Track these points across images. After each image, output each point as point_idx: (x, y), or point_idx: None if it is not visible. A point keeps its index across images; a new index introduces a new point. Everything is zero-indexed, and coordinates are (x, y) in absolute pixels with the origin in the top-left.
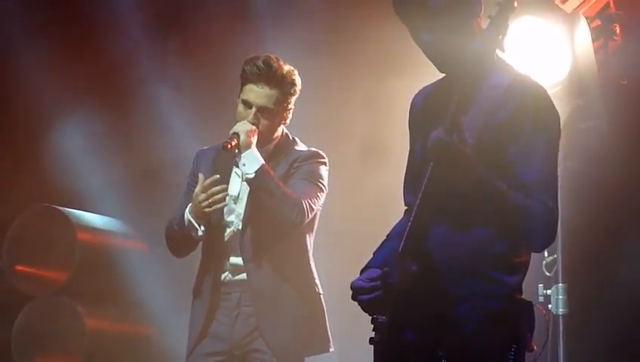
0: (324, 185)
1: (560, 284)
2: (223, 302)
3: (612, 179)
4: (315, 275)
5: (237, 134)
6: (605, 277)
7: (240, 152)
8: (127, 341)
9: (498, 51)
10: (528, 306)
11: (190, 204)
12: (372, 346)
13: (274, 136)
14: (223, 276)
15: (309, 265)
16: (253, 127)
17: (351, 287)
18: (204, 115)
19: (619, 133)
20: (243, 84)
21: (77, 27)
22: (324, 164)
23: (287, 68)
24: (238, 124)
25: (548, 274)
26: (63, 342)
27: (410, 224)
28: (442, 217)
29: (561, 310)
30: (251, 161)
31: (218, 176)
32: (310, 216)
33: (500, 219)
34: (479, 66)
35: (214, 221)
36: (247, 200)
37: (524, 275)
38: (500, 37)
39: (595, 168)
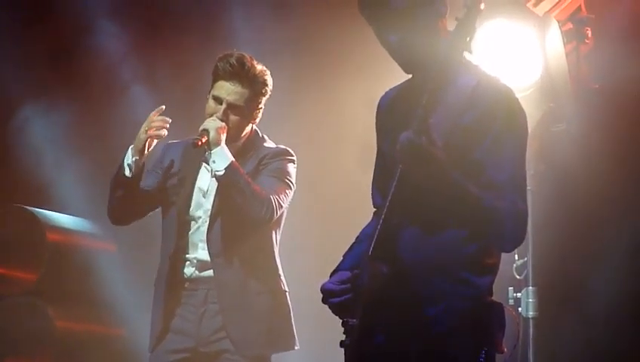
0: (292, 183)
1: (530, 287)
2: (189, 299)
3: (583, 183)
4: (281, 272)
5: (207, 131)
6: (575, 280)
7: (210, 149)
8: (97, 341)
9: (466, 53)
10: (499, 308)
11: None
12: (342, 349)
13: (243, 134)
14: (188, 272)
15: (275, 262)
16: (223, 124)
17: (321, 290)
18: (178, 113)
19: (590, 136)
20: (214, 80)
21: (48, 21)
22: (293, 161)
23: (259, 68)
24: (207, 120)
25: (518, 277)
26: (32, 343)
27: (379, 227)
28: (411, 219)
29: (531, 313)
30: (221, 158)
31: (163, 106)
32: (278, 213)
33: (470, 220)
34: (446, 68)
35: (180, 213)
36: (216, 195)
37: (495, 277)
38: (468, 39)
39: (566, 171)
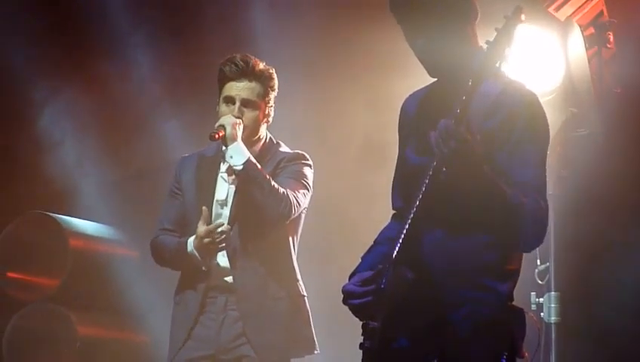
0: (309, 185)
1: (552, 293)
2: (210, 306)
3: (606, 187)
4: (299, 277)
5: (223, 126)
6: (598, 285)
7: (226, 145)
8: (119, 347)
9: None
10: (520, 313)
11: (193, 238)
12: (361, 351)
13: (259, 136)
14: (209, 280)
15: (294, 267)
16: (238, 120)
17: (342, 291)
18: (198, 118)
19: (613, 141)
20: (223, 85)
21: (68, 29)
22: (309, 166)
23: (263, 64)
24: (223, 116)
25: (540, 282)
26: (54, 349)
27: (405, 230)
28: (437, 222)
29: (553, 318)
30: (238, 153)
31: (222, 222)
32: (297, 211)
33: (496, 217)
34: (482, 76)
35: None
36: (233, 203)
37: (515, 283)
38: (506, 50)
39: (588, 176)
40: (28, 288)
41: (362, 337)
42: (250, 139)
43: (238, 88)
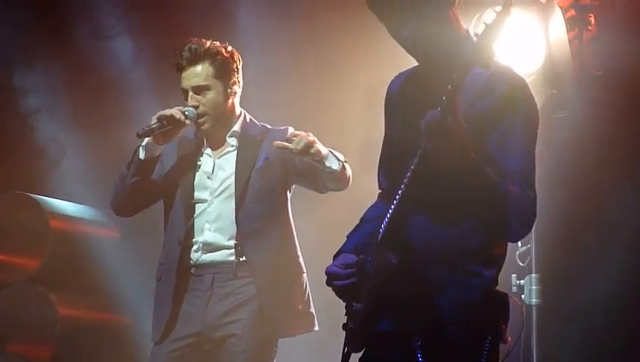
0: None
1: (533, 274)
2: (196, 284)
3: (586, 169)
4: (299, 253)
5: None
6: (578, 267)
7: (323, 165)
8: (100, 328)
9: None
10: (504, 298)
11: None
12: (344, 332)
13: (234, 113)
14: (194, 256)
15: (295, 244)
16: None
17: (326, 273)
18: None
19: (593, 122)
20: (179, 77)
21: (51, 12)
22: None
23: (209, 43)
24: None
25: (521, 264)
26: (35, 330)
27: (389, 214)
28: (423, 207)
29: (534, 300)
30: (332, 160)
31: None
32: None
33: (482, 205)
34: (469, 69)
35: (185, 197)
36: (236, 178)
37: (500, 268)
38: (494, 43)
39: (568, 157)
40: (8, 269)
41: (346, 318)
42: (224, 120)
43: (187, 78)
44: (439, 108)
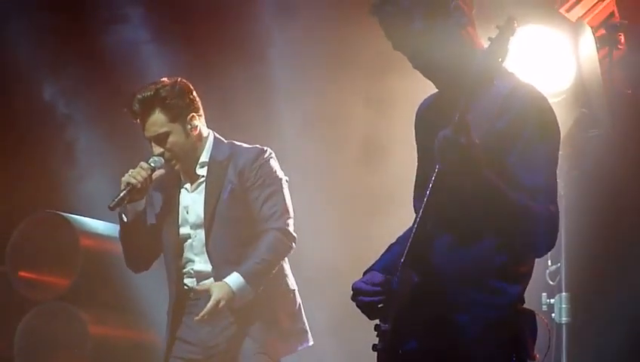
0: (284, 180)
1: (563, 293)
2: (193, 308)
3: (616, 188)
4: (288, 272)
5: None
6: (609, 285)
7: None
8: (131, 347)
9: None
10: (530, 315)
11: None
12: (375, 353)
13: (200, 143)
14: (190, 283)
15: (282, 264)
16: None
17: (352, 288)
18: (209, 116)
19: (623, 141)
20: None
21: (78, 26)
22: (272, 157)
23: (156, 87)
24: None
25: (551, 282)
26: (66, 348)
27: (412, 234)
28: (446, 227)
29: (564, 319)
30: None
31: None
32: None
33: (503, 222)
34: (478, 84)
35: (171, 234)
36: (205, 209)
37: (526, 285)
38: (500, 59)
39: (599, 176)
40: (39, 287)
41: (377, 339)
42: (192, 154)
43: (146, 129)
44: (451, 127)
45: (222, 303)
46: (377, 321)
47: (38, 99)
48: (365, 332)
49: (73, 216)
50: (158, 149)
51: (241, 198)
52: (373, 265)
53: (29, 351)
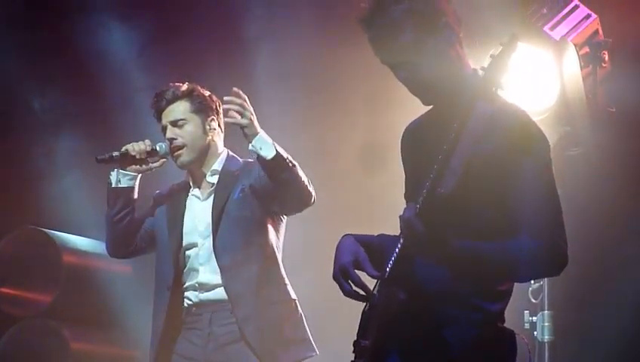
0: None
1: (546, 311)
2: (195, 324)
3: (599, 206)
4: (287, 281)
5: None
6: (591, 304)
7: (250, 140)
8: None
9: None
10: (509, 334)
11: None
12: None
13: (216, 151)
14: (192, 297)
15: (281, 271)
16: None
17: (340, 266)
18: None
19: (607, 160)
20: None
21: (63, 38)
22: None
23: (186, 85)
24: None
25: (534, 300)
26: None
27: (396, 251)
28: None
29: (546, 337)
30: (265, 143)
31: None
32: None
33: (479, 272)
34: (474, 103)
35: (174, 243)
36: (213, 211)
37: (507, 303)
38: (501, 76)
39: (582, 194)
40: (21, 303)
41: (353, 355)
42: (202, 155)
43: (166, 115)
44: (416, 206)
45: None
46: (355, 337)
47: (22, 113)
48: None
49: (55, 231)
50: (170, 134)
51: (251, 197)
52: (370, 237)
53: None
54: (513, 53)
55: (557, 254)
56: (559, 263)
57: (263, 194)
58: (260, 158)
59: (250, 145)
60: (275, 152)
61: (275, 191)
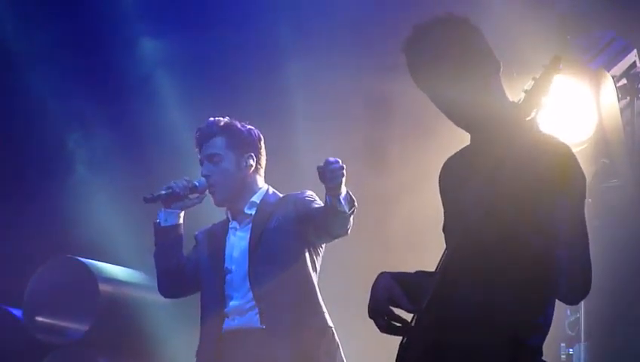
0: None
1: (582, 343)
2: (231, 350)
3: (636, 237)
4: (324, 309)
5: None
6: (628, 336)
7: (338, 202)
8: None
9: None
10: None
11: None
12: None
13: (253, 187)
14: (227, 323)
15: (318, 299)
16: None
17: (375, 299)
18: None
19: None
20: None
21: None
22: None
23: (226, 119)
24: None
25: (570, 333)
26: None
27: (435, 284)
28: (467, 277)
29: None
30: (347, 202)
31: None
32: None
33: (525, 270)
34: (514, 129)
35: (215, 272)
36: (250, 238)
37: (545, 337)
38: (543, 98)
39: (619, 226)
40: (57, 332)
41: None
42: (236, 191)
43: (203, 149)
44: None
45: None
46: None
47: (58, 146)
48: None
49: (92, 261)
50: (205, 171)
51: (289, 226)
52: (407, 274)
53: None
54: (556, 74)
55: (587, 274)
56: (585, 292)
57: (302, 223)
58: (331, 207)
59: (328, 197)
60: (354, 207)
61: (320, 227)
